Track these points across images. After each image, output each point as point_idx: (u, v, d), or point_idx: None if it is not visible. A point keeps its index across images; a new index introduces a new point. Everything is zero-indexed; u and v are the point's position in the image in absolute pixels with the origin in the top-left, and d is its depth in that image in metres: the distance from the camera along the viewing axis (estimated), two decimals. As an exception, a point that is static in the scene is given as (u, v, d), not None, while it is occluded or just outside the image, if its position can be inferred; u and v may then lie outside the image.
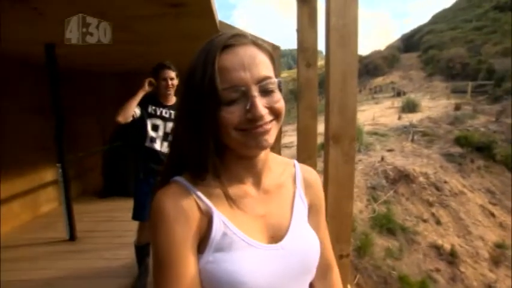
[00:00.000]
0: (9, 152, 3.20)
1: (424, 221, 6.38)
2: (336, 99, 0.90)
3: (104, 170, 4.37)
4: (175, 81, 2.07)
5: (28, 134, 3.51)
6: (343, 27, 0.86)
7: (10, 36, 2.49)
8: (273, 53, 0.51)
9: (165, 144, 2.11)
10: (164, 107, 2.10)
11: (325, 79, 0.95)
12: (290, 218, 0.53)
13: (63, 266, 2.47)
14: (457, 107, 14.45)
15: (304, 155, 1.38)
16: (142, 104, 2.04)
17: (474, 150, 9.32)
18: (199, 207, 0.46)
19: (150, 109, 2.06)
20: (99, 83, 4.40)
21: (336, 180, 0.95)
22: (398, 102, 17.73)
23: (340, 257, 1.01)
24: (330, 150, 0.94)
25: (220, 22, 2.44)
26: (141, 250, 2.21)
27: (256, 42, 0.48)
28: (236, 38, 0.46)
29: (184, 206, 0.46)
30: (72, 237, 2.95)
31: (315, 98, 1.40)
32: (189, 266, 0.44)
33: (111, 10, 1.91)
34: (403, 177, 7.25)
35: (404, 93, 20.82)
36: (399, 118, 13.73)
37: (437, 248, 5.73)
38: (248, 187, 0.51)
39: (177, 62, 3.64)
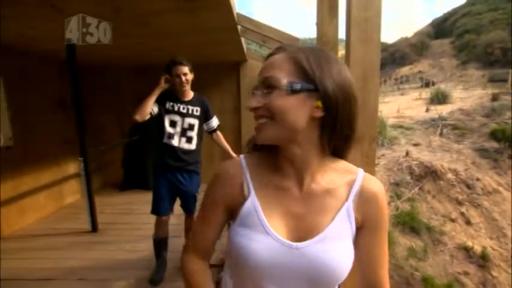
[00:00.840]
0: (34, 145, 3.42)
1: (452, 220, 6.13)
2: (357, 97, 0.88)
3: (124, 163, 4.55)
4: (190, 76, 2.06)
5: (51, 128, 3.72)
6: (366, 21, 0.83)
7: (33, 34, 2.62)
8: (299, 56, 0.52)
9: (183, 140, 2.12)
10: (182, 102, 2.11)
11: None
12: (325, 227, 0.54)
13: (85, 256, 2.63)
14: (495, 98, 13.53)
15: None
16: (160, 101, 2.07)
17: (512, 145, 8.74)
18: (241, 185, 0.58)
19: (168, 105, 2.08)
20: (118, 77, 4.55)
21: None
22: (426, 93, 16.92)
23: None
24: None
25: (238, 15, 2.43)
26: (159, 244, 2.28)
27: (285, 48, 0.54)
28: (275, 50, 0.56)
29: (232, 178, 0.59)
30: (94, 228, 3.13)
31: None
32: (214, 216, 0.61)
33: (127, 5, 1.96)
34: (430, 173, 6.95)
35: (433, 84, 19.83)
36: (427, 110, 13.12)
37: (466, 250, 5.50)
38: (292, 183, 0.56)
39: (195, 55, 3.68)
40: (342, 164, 0.59)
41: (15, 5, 1.91)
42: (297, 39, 2.58)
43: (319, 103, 0.50)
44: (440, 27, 31.64)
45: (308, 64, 0.50)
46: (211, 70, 4.44)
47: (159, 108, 2.06)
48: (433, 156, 7.79)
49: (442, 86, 16.99)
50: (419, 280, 4.79)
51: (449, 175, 6.92)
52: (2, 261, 2.39)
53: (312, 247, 0.52)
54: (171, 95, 2.10)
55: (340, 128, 0.53)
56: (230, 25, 2.48)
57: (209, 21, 2.37)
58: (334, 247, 0.53)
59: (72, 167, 4.08)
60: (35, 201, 3.45)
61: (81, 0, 1.85)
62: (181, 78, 2.01)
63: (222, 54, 3.85)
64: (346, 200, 0.55)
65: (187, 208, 2.28)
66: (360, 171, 0.58)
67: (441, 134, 9.82)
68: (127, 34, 2.58)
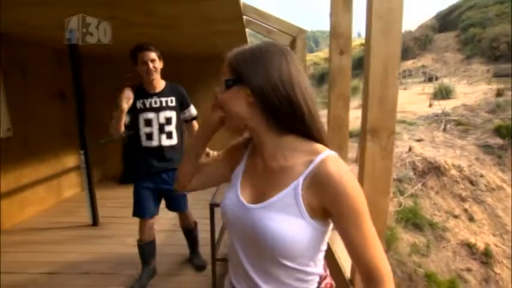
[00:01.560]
0: (33, 136, 3.41)
1: (455, 217, 6.20)
2: (376, 90, 0.89)
3: (124, 156, 4.55)
4: (158, 64, 1.87)
5: (50, 119, 3.71)
6: (388, 13, 0.84)
7: (33, 22, 2.59)
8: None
9: (163, 137, 1.94)
10: (153, 95, 1.92)
11: (364, 69, 0.93)
12: (271, 197, 0.61)
13: (87, 250, 2.65)
14: (499, 93, 13.56)
15: (334, 146, 1.38)
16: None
17: (516, 141, 8.78)
18: (242, 156, 0.75)
19: (138, 104, 1.89)
20: (117, 68, 4.51)
21: (371, 176, 0.95)
22: (429, 87, 16.92)
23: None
24: (366, 144, 0.93)
25: (244, 5, 2.41)
26: (144, 249, 2.12)
27: (228, 55, 0.67)
28: None
29: (240, 147, 0.77)
30: (95, 222, 3.15)
31: (347, 87, 1.37)
32: (219, 160, 0.81)
33: (133, -7, 1.94)
34: (433, 169, 7.01)
35: (436, 78, 19.80)
36: (430, 105, 13.14)
37: (469, 247, 5.58)
38: (260, 161, 0.68)
39: (198, 44, 3.63)
40: (309, 146, 0.62)
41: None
42: (304, 31, 2.57)
43: (249, 91, 0.60)
44: (445, 20, 31.41)
45: (236, 63, 0.62)
46: (214, 62, 4.40)
47: (130, 111, 1.88)
48: (436, 152, 7.83)
49: (446, 81, 16.98)
50: (422, 276, 4.87)
51: (453, 171, 6.97)
52: (2, 254, 2.41)
53: (257, 210, 0.62)
54: (140, 90, 1.90)
55: (278, 110, 0.60)
56: (236, 15, 2.47)
57: (214, 11, 2.35)
58: (275, 217, 0.59)
59: (72, 160, 4.08)
60: (35, 194, 3.46)
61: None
62: (148, 65, 1.81)
63: (225, 46, 3.82)
64: (297, 178, 0.59)
65: (179, 208, 2.14)
66: (322, 155, 0.59)
67: (444, 130, 9.86)
68: (130, 23, 2.56)
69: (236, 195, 0.68)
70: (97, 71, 4.41)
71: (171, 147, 1.97)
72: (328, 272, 0.72)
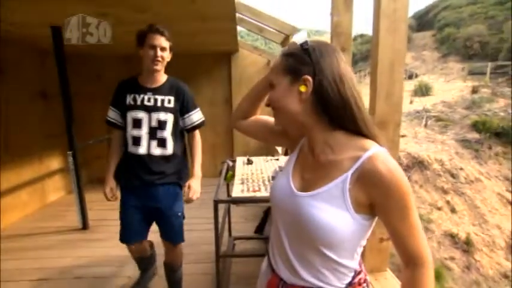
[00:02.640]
0: (14, 138, 3.28)
1: (439, 208, 6.53)
2: (384, 85, 0.96)
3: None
4: (167, 54, 1.57)
5: (32, 120, 3.57)
6: (394, 13, 0.90)
7: (13, 18, 2.50)
8: (293, 49, 0.67)
9: (154, 143, 1.57)
10: (147, 91, 1.57)
11: (371, 65, 0.99)
12: (318, 188, 0.64)
13: (79, 254, 2.59)
14: (474, 90, 14.34)
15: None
16: (118, 95, 1.62)
17: (492, 135, 9.34)
18: (298, 143, 0.78)
19: (129, 99, 1.57)
20: (102, 66, 4.41)
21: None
22: (410, 85, 17.57)
23: (380, 240, 1.09)
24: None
25: (238, 3, 2.44)
26: (140, 261, 1.96)
27: (281, 52, 0.70)
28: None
29: (300, 137, 0.78)
30: (85, 225, 3.07)
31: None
32: (276, 128, 0.82)
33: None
34: (417, 163, 7.34)
35: (416, 76, 20.59)
36: (411, 102, 13.68)
37: (452, 237, 5.90)
38: (310, 155, 0.72)
39: (188, 44, 3.62)
40: (358, 141, 0.64)
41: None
42: (297, 29, 2.63)
43: (302, 87, 0.63)
44: (423, 20, 32.69)
45: (292, 60, 0.65)
46: (203, 60, 4.41)
47: (120, 109, 1.61)
48: (419, 147, 8.18)
49: (425, 78, 17.69)
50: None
51: (435, 165, 7.31)
52: (-11, 262, 2.32)
53: (304, 198, 0.65)
54: (133, 83, 1.60)
55: (331, 105, 0.63)
56: (229, 13, 2.49)
57: (208, 8, 2.36)
58: (320, 206, 0.62)
59: (56, 162, 3.95)
60: (17, 198, 3.33)
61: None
62: (156, 51, 1.50)
63: (215, 44, 3.83)
64: (346, 172, 0.62)
65: (170, 236, 1.71)
66: (370, 151, 0.61)
67: (426, 126, 10.31)
68: (121, 21, 2.52)
69: (287, 180, 0.71)
70: (83, 70, 4.29)
71: (163, 157, 1.60)
72: (363, 268, 0.74)
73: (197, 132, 1.73)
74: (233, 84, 4.55)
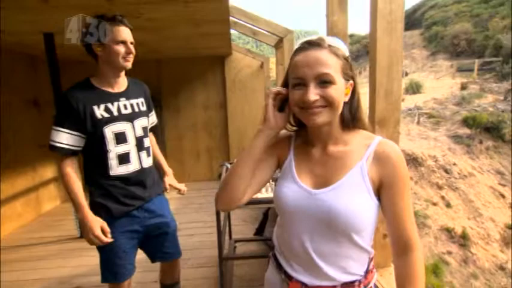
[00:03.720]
0: (7, 147, 3.23)
1: (434, 204, 6.63)
2: (382, 84, 0.99)
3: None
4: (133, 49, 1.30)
5: (25, 129, 3.53)
6: (390, 14, 0.93)
7: (3, 25, 2.48)
8: (344, 54, 0.69)
9: (143, 155, 1.36)
10: (118, 97, 1.30)
11: (369, 65, 1.02)
12: (339, 179, 0.68)
13: (76, 263, 2.56)
14: (463, 87, 14.65)
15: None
16: (74, 110, 1.20)
17: (482, 130, 9.56)
18: (289, 147, 0.79)
19: (99, 112, 1.24)
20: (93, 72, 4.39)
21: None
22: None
23: (384, 237, 1.11)
24: (375, 134, 1.03)
25: (232, 6, 2.46)
26: None
27: (321, 45, 0.67)
28: (308, 43, 0.68)
29: (283, 139, 0.80)
30: (82, 234, 3.03)
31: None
32: (263, 160, 0.77)
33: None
34: (411, 160, 7.45)
35: (406, 74, 20.92)
36: (403, 100, 13.88)
37: (448, 231, 6.00)
38: (316, 150, 0.74)
39: (182, 46, 3.61)
40: (363, 132, 0.73)
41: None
42: (291, 32, 2.66)
43: (348, 90, 0.69)
44: (411, 19, 33.33)
45: (346, 62, 0.68)
46: (197, 63, 4.41)
47: (81, 128, 1.22)
48: (412, 144, 8.32)
49: (416, 76, 18.00)
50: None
51: (429, 161, 7.44)
52: (-14, 275, 2.28)
53: (325, 194, 0.67)
54: (93, 91, 1.27)
55: (353, 103, 0.71)
56: (223, 17, 2.51)
57: (202, 12, 2.38)
58: (345, 195, 0.66)
59: (50, 171, 3.90)
60: (12, 209, 3.27)
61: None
62: (128, 46, 1.25)
63: (209, 48, 3.85)
64: (361, 159, 0.68)
65: (176, 251, 1.50)
66: (378, 138, 0.71)
67: (418, 123, 10.48)
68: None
69: (295, 183, 0.72)
70: (76, 77, 4.22)
71: (150, 167, 1.42)
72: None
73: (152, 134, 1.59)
74: (227, 87, 4.56)
